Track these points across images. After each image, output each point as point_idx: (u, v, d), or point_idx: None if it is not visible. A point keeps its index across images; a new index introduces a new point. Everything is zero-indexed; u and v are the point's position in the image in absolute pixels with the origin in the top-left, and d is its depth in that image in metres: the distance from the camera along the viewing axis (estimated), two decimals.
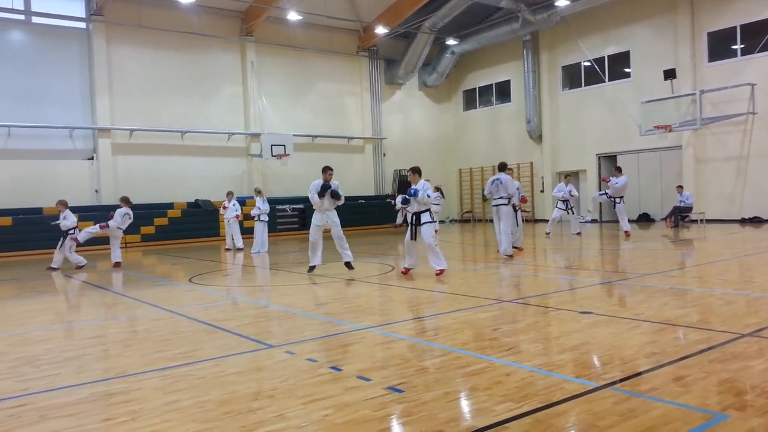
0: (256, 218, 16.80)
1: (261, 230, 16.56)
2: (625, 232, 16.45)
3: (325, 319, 6.80)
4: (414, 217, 9.97)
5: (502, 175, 11.99)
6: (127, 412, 3.92)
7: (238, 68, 23.86)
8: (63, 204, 13.88)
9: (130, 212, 14.15)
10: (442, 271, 9.84)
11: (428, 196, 9.74)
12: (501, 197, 11.92)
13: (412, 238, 9.97)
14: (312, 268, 10.87)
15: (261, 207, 16.76)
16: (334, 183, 10.62)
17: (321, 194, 10.42)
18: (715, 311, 6.42)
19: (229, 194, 17.80)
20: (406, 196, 9.86)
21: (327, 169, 10.67)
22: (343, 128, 26.57)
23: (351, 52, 26.84)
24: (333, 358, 5.09)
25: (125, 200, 14.24)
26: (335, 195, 10.51)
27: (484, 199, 28.39)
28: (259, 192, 17.16)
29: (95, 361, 5.48)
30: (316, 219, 10.70)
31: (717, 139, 20.54)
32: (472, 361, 4.76)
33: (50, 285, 11.65)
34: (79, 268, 13.85)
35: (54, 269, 13.73)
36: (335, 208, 10.72)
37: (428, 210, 9.94)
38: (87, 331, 7.02)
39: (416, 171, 10.04)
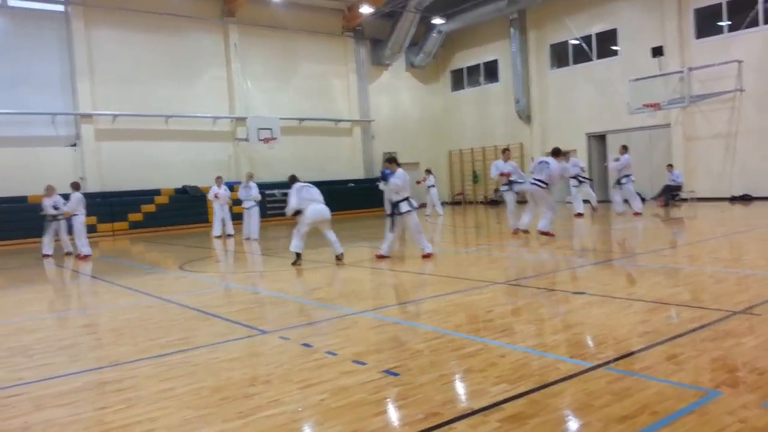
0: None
1: (247, 216, 16.30)
2: (635, 212, 16.17)
3: (319, 305, 6.79)
4: (393, 207, 9.99)
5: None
6: (122, 400, 3.91)
7: (221, 50, 23.51)
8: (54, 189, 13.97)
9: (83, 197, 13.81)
10: (428, 255, 9.90)
11: (397, 185, 9.76)
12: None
13: (391, 229, 10.05)
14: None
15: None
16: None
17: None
18: (706, 289, 6.48)
19: (219, 179, 17.57)
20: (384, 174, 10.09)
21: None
22: (330, 111, 26.37)
23: (336, 32, 26.55)
24: (328, 342, 5.09)
25: (77, 185, 13.84)
26: None
27: (475, 180, 28.56)
28: (248, 176, 16.96)
29: (88, 350, 5.46)
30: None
31: (705, 117, 20.61)
32: (467, 344, 4.78)
33: (39, 274, 11.56)
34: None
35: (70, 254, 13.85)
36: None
37: (407, 198, 9.92)
38: (79, 320, 6.98)
39: (392, 160, 10.14)
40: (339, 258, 10.01)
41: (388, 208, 10.44)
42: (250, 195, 16.16)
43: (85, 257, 13.22)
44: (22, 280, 10.75)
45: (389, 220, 10.14)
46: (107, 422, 3.54)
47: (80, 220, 13.49)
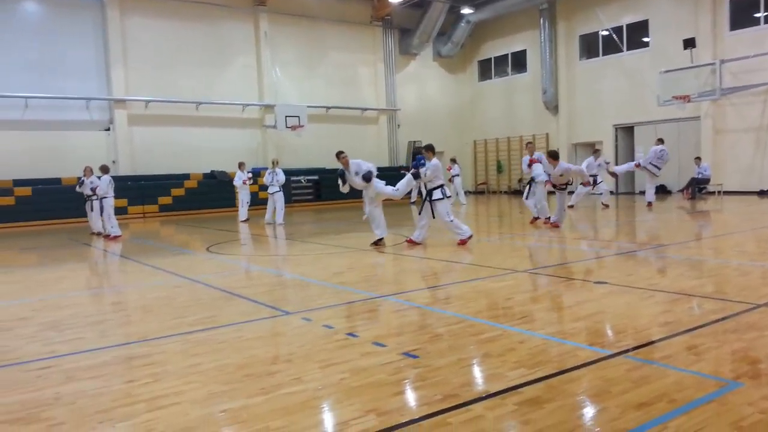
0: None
1: (271, 201, 16.42)
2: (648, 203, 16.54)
3: (341, 288, 6.88)
4: (427, 193, 9.96)
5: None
6: (150, 374, 4.04)
7: (251, 38, 23.72)
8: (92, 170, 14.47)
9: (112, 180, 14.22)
10: (464, 241, 9.91)
11: (425, 175, 9.79)
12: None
13: (419, 213, 10.08)
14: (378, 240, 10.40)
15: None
16: (364, 166, 10.28)
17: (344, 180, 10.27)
18: (730, 282, 6.41)
19: (243, 164, 17.78)
20: (415, 163, 10.09)
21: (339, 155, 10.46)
22: (357, 99, 26.43)
23: (365, 21, 26.55)
24: (349, 324, 5.18)
25: (106, 168, 14.25)
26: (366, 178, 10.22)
27: (499, 170, 28.41)
28: (274, 162, 17.13)
29: (117, 326, 5.62)
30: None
31: (736, 110, 20.20)
32: (486, 329, 4.82)
33: (71, 253, 11.85)
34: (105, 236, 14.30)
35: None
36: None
37: (440, 186, 9.92)
38: (108, 297, 7.18)
39: (429, 149, 10.04)
40: (379, 242, 10.17)
41: (414, 195, 10.44)
42: (276, 180, 16.31)
43: (115, 238, 13.53)
44: (55, 259, 11.04)
45: (423, 207, 10.10)
46: (135, 395, 3.66)
47: (109, 203, 13.85)
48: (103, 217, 13.97)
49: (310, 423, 3.18)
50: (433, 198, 9.85)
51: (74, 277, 9.01)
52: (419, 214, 10.12)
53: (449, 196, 10.25)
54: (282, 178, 16.33)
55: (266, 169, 18.22)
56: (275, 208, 16.17)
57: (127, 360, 4.46)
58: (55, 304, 6.63)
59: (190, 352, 4.52)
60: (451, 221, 9.95)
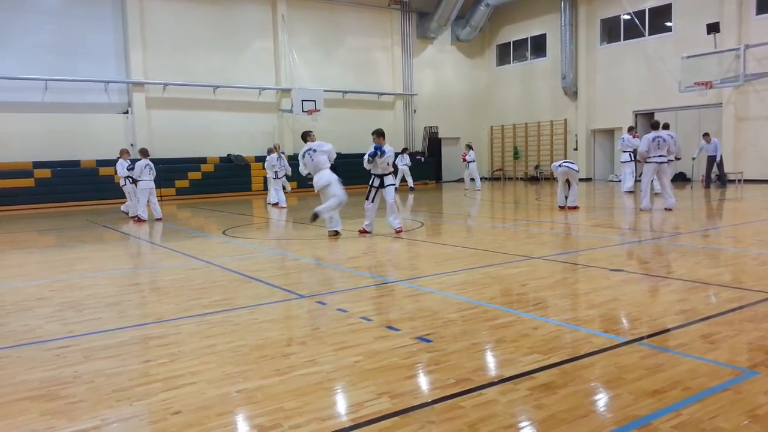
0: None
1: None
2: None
3: (355, 272, 6.90)
4: (378, 181, 10.04)
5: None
6: (166, 354, 4.09)
7: (268, 22, 23.69)
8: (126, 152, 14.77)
9: (151, 164, 14.14)
10: (400, 230, 10.02)
11: (388, 164, 9.92)
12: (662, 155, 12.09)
13: (371, 201, 10.05)
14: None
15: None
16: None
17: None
18: (748, 271, 6.34)
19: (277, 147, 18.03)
20: (374, 151, 9.88)
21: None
22: (373, 84, 26.33)
23: (382, 5, 26.34)
24: (362, 308, 5.20)
25: (144, 152, 14.27)
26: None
27: (516, 156, 28.22)
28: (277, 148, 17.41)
29: (135, 307, 5.70)
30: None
31: (760, 97, 19.83)
32: (500, 315, 4.82)
33: (90, 235, 12.00)
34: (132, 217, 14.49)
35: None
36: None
37: (392, 173, 10.11)
38: (126, 278, 7.26)
39: (380, 134, 10.03)
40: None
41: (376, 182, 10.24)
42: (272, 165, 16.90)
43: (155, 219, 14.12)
44: (74, 240, 11.19)
45: (375, 195, 10.10)
46: (151, 374, 3.72)
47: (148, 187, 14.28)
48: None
49: (323, 404, 3.21)
50: (386, 184, 9.99)
51: (92, 258, 9.13)
52: (371, 202, 10.05)
53: (395, 184, 10.36)
54: (274, 162, 16.84)
55: (283, 152, 18.32)
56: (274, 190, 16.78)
57: (144, 340, 4.53)
58: (73, 285, 6.74)
59: (206, 333, 4.58)
60: (395, 205, 10.13)
